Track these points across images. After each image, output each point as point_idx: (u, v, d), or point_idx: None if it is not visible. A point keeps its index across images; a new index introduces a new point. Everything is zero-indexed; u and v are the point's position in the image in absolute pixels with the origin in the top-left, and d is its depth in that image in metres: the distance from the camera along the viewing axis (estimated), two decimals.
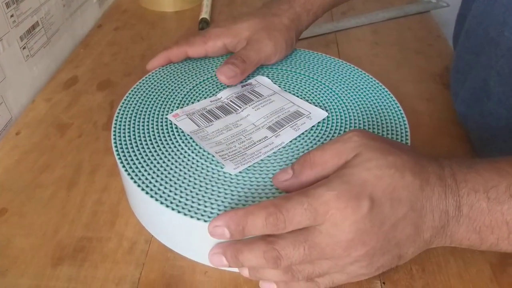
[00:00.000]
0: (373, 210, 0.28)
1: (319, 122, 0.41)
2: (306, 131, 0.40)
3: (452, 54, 0.62)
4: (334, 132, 0.41)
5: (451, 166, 0.30)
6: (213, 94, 0.45)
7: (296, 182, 0.33)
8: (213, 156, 0.37)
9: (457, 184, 0.29)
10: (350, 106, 0.44)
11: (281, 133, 0.40)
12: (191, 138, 0.39)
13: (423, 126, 0.50)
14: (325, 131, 0.41)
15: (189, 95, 0.45)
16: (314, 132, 0.41)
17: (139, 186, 0.35)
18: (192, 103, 0.44)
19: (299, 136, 0.40)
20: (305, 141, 0.39)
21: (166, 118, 0.42)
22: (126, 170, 0.36)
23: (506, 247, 0.30)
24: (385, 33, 0.69)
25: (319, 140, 0.40)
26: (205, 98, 0.44)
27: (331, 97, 0.45)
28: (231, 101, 0.44)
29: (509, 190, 0.28)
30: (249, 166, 0.37)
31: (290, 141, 0.39)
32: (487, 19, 0.42)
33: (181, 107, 0.43)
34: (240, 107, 0.43)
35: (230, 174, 0.36)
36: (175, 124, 0.41)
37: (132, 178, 0.35)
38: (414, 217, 0.29)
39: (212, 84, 0.46)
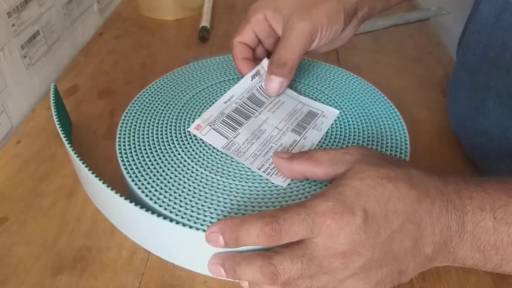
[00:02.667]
0: (367, 221, 0.28)
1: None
2: (328, 130, 0.42)
3: (453, 62, 0.62)
4: (334, 141, 0.41)
5: (457, 182, 0.30)
6: (212, 102, 0.45)
7: (288, 164, 0.34)
8: (232, 169, 0.38)
9: (461, 201, 0.29)
10: (350, 115, 0.44)
11: (307, 135, 0.41)
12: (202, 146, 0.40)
13: (423, 135, 0.50)
14: (325, 139, 0.41)
15: (189, 103, 0.45)
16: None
17: (143, 192, 0.35)
18: (193, 111, 0.44)
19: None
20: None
21: (183, 129, 0.42)
22: (133, 180, 0.36)
23: (510, 269, 0.29)
24: (385, 40, 0.69)
25: (321, 147, 0.40)
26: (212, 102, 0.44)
27: (330, 106, 0.45)
28: (244, 102, 0.43)
29: None
30: (248, 176, 0.37)
31: (319, 141, 0.41)
32: (486, 38, 0.41)
33: (197, 113, 0.43)
34: (256, 110, 0.43)
35: (230, 183, 0.36)
36: (201, 139, 0.40)
37: (136, 184, 0.36)
38: (412, 230, 0.29)
39: (212, 92, 0.47)
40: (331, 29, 0.41)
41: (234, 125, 0.41)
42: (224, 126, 0.41)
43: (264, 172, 0.37)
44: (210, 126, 0.41)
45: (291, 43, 0.41)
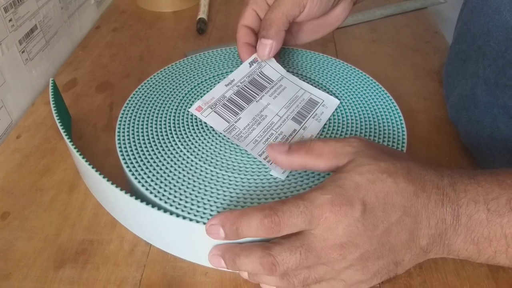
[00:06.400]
0: (365, 214, 0.28)
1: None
2: (327, 121, 0.42)
3: None
4: (332, 132, 0.41)
5: (452, 176, 0.30)
6: None
7: (287, 157, 0.34)
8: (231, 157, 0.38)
9: (456, 194, 0.29)
10: (347, 106, 0.44)
11: (307, 125, 0.41)
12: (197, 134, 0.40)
13: (420, 124, 0.50)
14: (323, 130, 0.41)
15: (188, 96, 0.45)
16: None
17: (142, 185, 0.35)
18: (192, 104, 0.44)
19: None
20: None
21: (187, 111, 0.42)
22: (132, 174, 0.37)
23: (503, 261, 0.30)
24: (383, 30, 0.69)
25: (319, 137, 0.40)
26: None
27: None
28: (245, 85, 0.43)
29: (510, 203, 0.28)
30: (247, 168, 0.37)
31: (318, 132, 0.41)
32: (474, 27, 0.42)
33: (200, 97, 0.44)
34: (258, 95, 0.43)
35: (229, 176, 0.36)
36: (204, 122, 0.41)
37: (136, 177, 0.36)
38: (408, 223, 0.29)
39: (210, 85, 0.47)
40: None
41: (235, 109, 0.41)
42: (225, 110, 0.41)
43: (264, 159, 0.37)
44: (211, 108, 0.41)
45: (279, 3, 0.41)
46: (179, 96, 0.45)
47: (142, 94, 0.45)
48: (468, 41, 0.43)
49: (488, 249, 0.29)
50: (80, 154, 0.37)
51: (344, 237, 0.28)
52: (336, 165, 0.32)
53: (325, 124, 0.42)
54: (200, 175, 0.37)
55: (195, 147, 0.39)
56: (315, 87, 0.46)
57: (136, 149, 0.39)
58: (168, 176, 0.36)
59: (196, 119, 0.42)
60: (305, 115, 0.42)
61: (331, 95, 0.45)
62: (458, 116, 0.46)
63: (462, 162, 0.45)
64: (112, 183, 0.34)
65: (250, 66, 0.45)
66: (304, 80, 0.47)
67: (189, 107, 0.44)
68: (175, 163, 0.38)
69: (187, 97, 0.45)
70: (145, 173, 0.37)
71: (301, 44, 0.49)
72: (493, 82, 0.39)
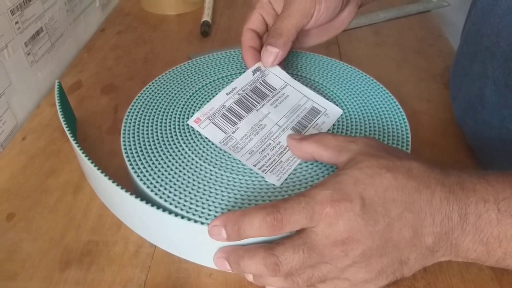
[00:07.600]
0: (365, 208, 0.28)
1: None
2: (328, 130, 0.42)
3: (454, 54, 0.62)
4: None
5: (460, 175, 0.30)
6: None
7: (297, 144, 0.36)
8: (232, 163, 0.38)
9: (464, 193, 0.29)
10: (351, 108, 0.44)
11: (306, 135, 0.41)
12: (208, 142, 0.40)
13: (424, 127, 0.50)
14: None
15: (191, 99, 0.45)
16: None
17: (148, 187, 0.36)
18: (196, 106, 0.44)
19: None
20: None
21: (186, 124, 0.42)
22: (138, 176, 0.37)
23: None
24: (386, 33, 0.69)
25: None
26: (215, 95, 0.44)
27: (332, 99, 0.45)
28: (247, 94, 0.43)
29: None
30: (252, 170, 0.37)
31: None
32: (484, 27, 0.42)
33: (199, 108, 0.43)
34: (259, 103, 0.42)
35: (233, 178, 0.37)
36: (199, 133, 0.41)
37: (141, 179, 0.36)
38: (411, 219, 0.29)
39: (214, 87, 0.47)
40: (330, 4, 0.42)
41: (234, 119, 0.41)
42: (224, 120, 0.41)
43: (259, 169, 0.37)
44: (209, 119, 0.41)
45: (289, 14, 0.41)
46: (184, 99, 0.45)
47: (147, 97, 0.46)
48: (477, 41, 0.43)
49: (498, 250, 0.29)
50: (85, 156, 0.37)
51: (345, 232, 0.28)
52: (337, 159, 0.33)
53: (328, 129, 0.42)
54: (205, 176, 0.37)
55: (200, 148, 0.39)
56: (319, 91, 0.46)
57: (141, 150, 0.39)
58: (173, 177, 0.37)
59: None
60: (305, 124, 0.42)
61: (332, 98, 0.45)
62: (464, 117, 0.45)
63: (467, 164, 0.45)
64: (117, 185, 0.34)
65: (253, 74, 0.44)
66: (307, 83, 0.47)
67: (193, 110, 0.44)
68: (180, 165, 0.38)
69: (191, 100, 0.45)
70: (150, 175, 0.37)
71: (306, 47, 0.49)
72: (503, 83, 0.39)
